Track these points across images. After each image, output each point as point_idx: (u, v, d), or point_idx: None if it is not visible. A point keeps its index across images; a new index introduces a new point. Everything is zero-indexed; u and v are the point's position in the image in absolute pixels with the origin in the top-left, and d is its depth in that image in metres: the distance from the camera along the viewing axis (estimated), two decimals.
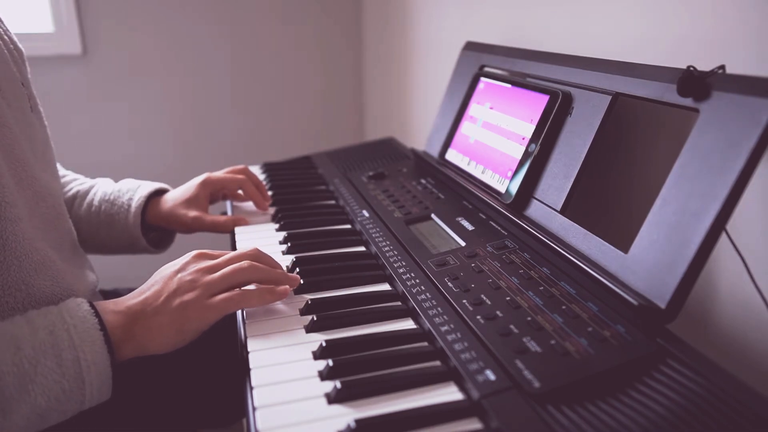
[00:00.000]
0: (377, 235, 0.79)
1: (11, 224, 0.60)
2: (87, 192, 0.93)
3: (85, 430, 0.63)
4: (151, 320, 0.58)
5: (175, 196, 0.93)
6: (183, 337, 0.59)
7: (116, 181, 0.97)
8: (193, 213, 0.89)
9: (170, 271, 0.62)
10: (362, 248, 0.79)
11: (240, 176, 0.94)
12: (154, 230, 0.95)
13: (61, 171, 0.96)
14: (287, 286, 0.65)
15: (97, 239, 0.92)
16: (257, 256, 0.66)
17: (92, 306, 0.58)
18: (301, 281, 0.68)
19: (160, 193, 0.95)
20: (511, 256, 0.67)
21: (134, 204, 0.90)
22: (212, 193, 0.94)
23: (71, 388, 0.53)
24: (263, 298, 0.63)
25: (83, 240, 0.87)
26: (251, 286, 0.65)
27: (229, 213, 0.95)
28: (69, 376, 0.53)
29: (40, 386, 0.51)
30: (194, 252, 0.65)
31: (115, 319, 0.58)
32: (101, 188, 0.93)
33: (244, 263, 0.63)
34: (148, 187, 0.93)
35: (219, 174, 0.95)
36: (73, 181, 0.96)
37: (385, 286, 0.69)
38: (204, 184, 0.93)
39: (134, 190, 0.92)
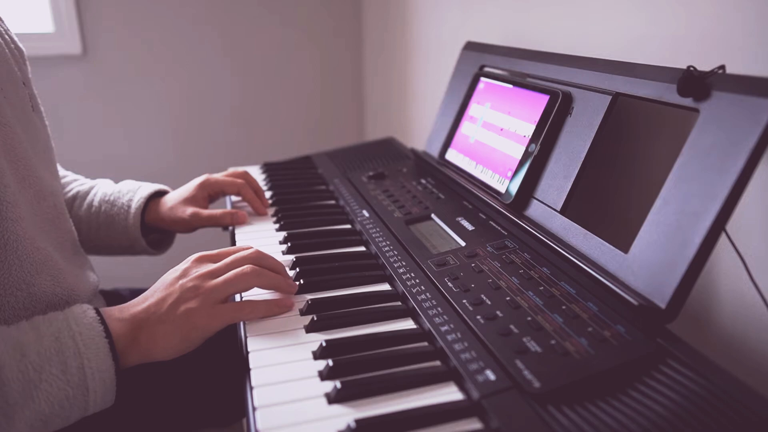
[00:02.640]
0: (377, 235, 0.79)
1: (12, 224, 0.60)
2: (87, 193, 0.93)
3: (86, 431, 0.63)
4: (155, 328, 0.58)
5: (174, 197, 0.93)
6: (188, 344, 0.59)
7: (116, 181, 0.97)
8: (190, 209, 0.89)
9: (172, 278, 0.62)
10: (362, 248, 0.79)
11: (239, 180, 0.93)
12: (154, 231, 0.95)
13: (61, 171, 0.96)
14: (293, 300, 0.65)
15: (96, 240, 0.92)
16: (258, 258, 0.65)
17: (98, 313, 0.57)
18: (300, 281, 0.68)
19: (160, 194, 0.95)
20: (511, 256, 0.67)
21: (134, 205, 0.90)
22: (210, 194, 0.94)
23: (75, 395, 0.53)
24: (271, 310, 0.62)
25: (83, 241, 0.87)
26: (258, 293, 0.65)
27: (228, 208, 0.95)
28: (73, 384, 0.52)
29: (44, 393, 0.51)
30: (194, 256, 0.65)
31: (120, 327, 0.57)
32: (101, 189, 0.93)
33: (247, 268, 0.62)
34: (147, 188, 0.93)
35: (219, 176, 0.95)
36: (74, 181, 0.96)
37: (385, 286, 0.69)
38: (203, 185, 0.93)
39: (134, 192, 0.92)
